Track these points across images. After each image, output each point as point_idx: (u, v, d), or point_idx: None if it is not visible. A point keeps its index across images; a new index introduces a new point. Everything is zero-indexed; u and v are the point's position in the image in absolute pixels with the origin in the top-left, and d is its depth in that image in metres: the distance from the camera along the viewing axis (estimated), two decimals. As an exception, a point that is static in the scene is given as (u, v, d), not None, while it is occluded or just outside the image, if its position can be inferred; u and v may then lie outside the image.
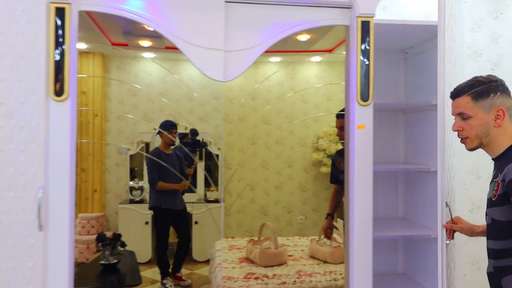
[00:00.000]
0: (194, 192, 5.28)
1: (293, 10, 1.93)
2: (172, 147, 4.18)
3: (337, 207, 3.14)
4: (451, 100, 1.55)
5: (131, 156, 5.16)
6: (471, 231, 1.68)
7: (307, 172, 5.61)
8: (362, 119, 1.90)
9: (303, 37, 4.19)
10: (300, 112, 5.53)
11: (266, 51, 5.32)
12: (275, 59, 5.36)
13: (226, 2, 1.87)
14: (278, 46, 4.75)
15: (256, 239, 3.62)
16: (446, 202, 1.72)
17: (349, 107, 1.96)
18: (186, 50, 1.85)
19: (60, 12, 1.73)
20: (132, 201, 4.93)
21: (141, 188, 5.05)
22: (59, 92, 1.72)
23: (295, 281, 2.89)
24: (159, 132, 4.11)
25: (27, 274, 1.68)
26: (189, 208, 4.90)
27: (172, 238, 4.94)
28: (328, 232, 3.11)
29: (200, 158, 5.41)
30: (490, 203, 1.42)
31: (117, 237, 3.16)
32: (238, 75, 1.91)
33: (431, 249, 2.18)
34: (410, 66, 2.44)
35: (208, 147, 5.38)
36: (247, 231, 5.48)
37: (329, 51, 5.36)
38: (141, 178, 5.12)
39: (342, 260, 3.31)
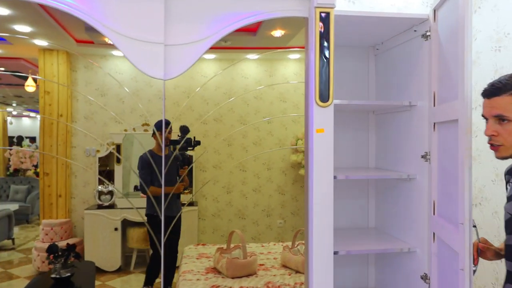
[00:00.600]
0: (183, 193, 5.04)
1: (245, 0, 1.71)
2: (167, 148, 3.80)
3: None
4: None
5: (100, 159, 4.91)
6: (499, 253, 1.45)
7: (286, 174, 5.41)
8: (321, 122, 1.69)
9: (277, 33, 3.98)
10: (278, 111, 5.33)
11: (243, 48, 5.10)
12: (253, 56, 5.14)
13: (166, -11, 1.64)
14: (255, 43, 4.56)
15: (225, 247, 3.40)
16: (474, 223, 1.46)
17: (307, 109, 1.75)
18: (120, 44, 1.62)
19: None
20: (100, 207, 4.67)
21: (111, 193, 4.80)
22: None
23: (261, 295, 2.68)
24: (153, 134, 3.75)
25: None
26: (160, 213, 4.66)
27: (142, 245, 4.71)
28: None
29: (174, 160, 5.17)
30: None
31: (70, 248, 2.92)
32: (181, 73, 1.69)
33: (404, 262, 1.99)
34: (381, 63, 2.24)
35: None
36: (223, 236, 5.26)
37: (308, 48, 5.18)
38: (111, 182, 4.87)
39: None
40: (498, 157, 1.30)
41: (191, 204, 4.89)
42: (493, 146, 1.29)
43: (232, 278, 3.00)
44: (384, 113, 2.19)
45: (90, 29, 3.97)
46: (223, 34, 1.71)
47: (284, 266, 3.30)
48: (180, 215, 3.85)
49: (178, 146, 3.61)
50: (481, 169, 2.48)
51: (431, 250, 1.73)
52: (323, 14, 1.69)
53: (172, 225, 3.08)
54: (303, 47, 4.50)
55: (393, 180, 2.10)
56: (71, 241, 4.61)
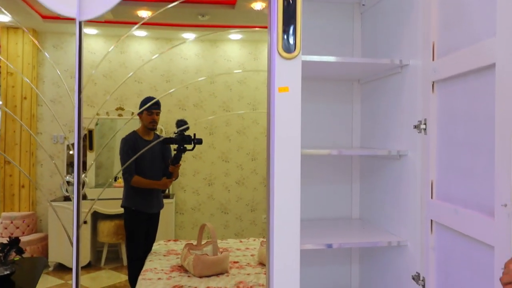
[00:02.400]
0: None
1: None
2: (153, 132, 3.32)
3: None
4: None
5: (69, 146, 4.51)
6: None
7: (272, 165, 5.02)
8: (285, 78, 1.31)
9: (258, 5, 3.60)
10: (264, 98, 4.94)
11: (223, 26, 4.69)
12: (236, 36, 4.76)
13: None
14: (235, 19, 4.17)
15: (195, 243, 3.02)
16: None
17: (269, 63, 1.37)
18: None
19: None
20: (67, 198, 4.28)
21: (82, 183, 4.40)
22: None
23: (229, 297, 2.31)
24: (139, 113, 3.22)
25: None
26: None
27: (113, 239, 4.33)
28: None
29: (150, 149, 4.78)
30: None
31: (12, 243, 2.53)
32: (100, 13, 1.30)
33: (393, 259, 1.61)
34: (367, 22, 1.86)
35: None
36: (204, 232, 4.87)
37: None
38: (83, 171, 4.48)
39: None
40: None
41: (166, 196, 4.51)
42: None
43: (200, 277, 2.63)
44: (370, 80, 1.81)
45: None
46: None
47: (262, 263, 2.93)
48: (159, 214, 3.41)
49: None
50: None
51: (426, 244, 1.36)
52: None
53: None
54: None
55: (380, 160, 1.72)
56: (35, 236, 4.23)
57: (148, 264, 2.92)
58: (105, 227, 4.26)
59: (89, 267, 4.29)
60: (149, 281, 2.56)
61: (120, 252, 4.45)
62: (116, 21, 4.18)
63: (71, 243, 1.29)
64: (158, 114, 3.29)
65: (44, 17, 4.13)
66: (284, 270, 1.33)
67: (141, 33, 4.63)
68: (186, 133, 3.17)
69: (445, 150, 1.29)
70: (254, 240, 3.65)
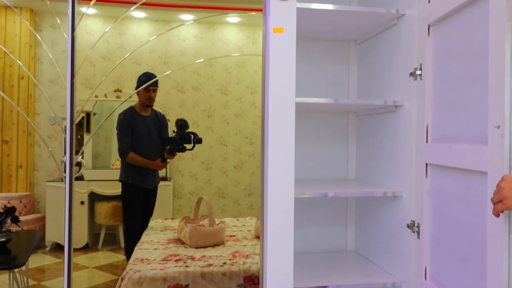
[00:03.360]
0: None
1: None
2: (151, 109, 3.33)
3: None
4: None
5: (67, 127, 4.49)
6: None
7: (270, 149, 5.01)
8: (280, 19, 1.30)
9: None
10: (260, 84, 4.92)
11: (222, 8, 4.68)
12: (234, 19, 4.74)
13: None
14: (237, 2, 4.16)
15: (192, 217, 3.02)
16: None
17: (264, 4, 1.36)
18: None
19: None
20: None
21: (79, 164, 4.38)
22: None
23: (225, 263, 2.29)
24: (136, 88, 3.24)
25: None
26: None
27: (110, 221, 4.32)
28: None
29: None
30: None
31: (9, 211, 2.52)
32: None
33: (388, 212, 1.61)
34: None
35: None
36: (201, 215, 4.86)
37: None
38: (80, 153, 4.47)
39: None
40: None
41: (164, 179, 4.50)
42: None
43: (196, 248, 2.62)
44: (367, 39, 1.80)
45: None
46: None
47: (258, 237, 2.92)
48: (156, 189, 3.43)
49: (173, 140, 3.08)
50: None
51: (421, 189, 1.35)
52: None
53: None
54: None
55: (376, 116, 1.71)
56: (32, 216, 4.22)
57: (144, 238, 2.91)
58: (103, 209, 4.25)
59: (86, 248, 4.28)
60: (145, 250, 2.55)
61: (118, 234, 4.44)
62: (114, 0, 4.17)
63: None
64: (155, 91, 3.30)
65: (42, -4, 4.12)
66: (279, 219, 1.32)
67: (140, 14, 4.61)
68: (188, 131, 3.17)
69: (440, 91, 1.28)
70: (251, 218, 3.65)
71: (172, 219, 3.64)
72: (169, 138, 3.17)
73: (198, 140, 3.13)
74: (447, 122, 1.23)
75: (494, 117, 0.97)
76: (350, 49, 1.93)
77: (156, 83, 3.31)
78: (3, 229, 2.46)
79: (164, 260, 2.35)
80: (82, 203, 4.25)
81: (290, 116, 1.31)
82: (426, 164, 1.32)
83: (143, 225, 3.29)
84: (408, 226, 1.42)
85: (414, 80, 1.42)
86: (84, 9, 4.44)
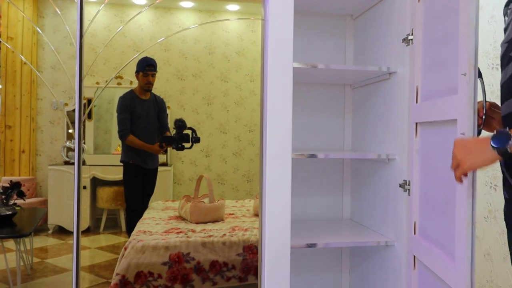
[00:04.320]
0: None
1: None
2: (150, 93, 3.44)
3: None
4: None
5: (69, 113, 4.56)
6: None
7: (269, 136, 5.08)
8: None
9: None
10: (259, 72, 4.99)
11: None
12: (234, 7, 4.80)
13: None
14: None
15: (192, 196, 3.09)
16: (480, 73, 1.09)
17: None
18: None
19: None
20: (67, 163, 4.34)
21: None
22: None
23: (224, 234, 2.37)
24: (136, 72, 3.38)
25: None
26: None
27: (112, 205, 4.39)
28: None
29: (148, 118, 4.84)
30: None
31: (14, 186, 2.59)
32: None
33: (382, 173, 1.68)
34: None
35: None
36: (202, 195, 4.94)
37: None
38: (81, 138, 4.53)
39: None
40: None
41: (164, 164, 4.57)
42: None
43: (196, 223, 2.69)
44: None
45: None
46: None
47: (257, 215, 2.99)
48: (156, 170, 3.54)
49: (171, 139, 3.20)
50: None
51: (411, 148, 1.42)
52: None
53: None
54: None
55: (371, 85, 1.78)
56: (34, 200, 4.29)
57: (146, 215, 2.98)
58: (104, 193, 4.32)
59: (88, 232, 4.35)
60: (147, 224, 2.62)
61: (119, 219, 4.51)
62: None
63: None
64: (153, 75, 3.39)
65: (44, -18, 4.18)
66: (277, 179, 1.39)
67: (142, 1, 4.67)
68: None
69: (428, 53, 1.34)
70: (250, 200, 3.72)
71: (172, 201, 3.71)
72: (168, 137, 3.28)
73: (196, 139, 3.25)
74: (433, 81, 1.30)
75: (461, 66, 1.04)
76: (346, 24, 1.99)
77: (155, 68, 3.39)
78: (9, 203, 2.53)
79: (166, 232, 2.42)
80: (84, 187, 4.32)
81: (288, 81, 1.38)
82: (416, 123, 1.40)
83: (144, 205, 3.38)
84: (400, 186, 1.49)
85: (406, 46, 1.49)
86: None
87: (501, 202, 1.20)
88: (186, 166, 4.95)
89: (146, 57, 3.50)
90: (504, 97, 1.06)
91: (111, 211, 4.55)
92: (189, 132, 3.25)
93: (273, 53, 1.38)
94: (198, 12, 4.89)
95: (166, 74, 4.80)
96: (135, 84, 4.68)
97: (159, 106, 3.49)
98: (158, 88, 4.73)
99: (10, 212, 2.50)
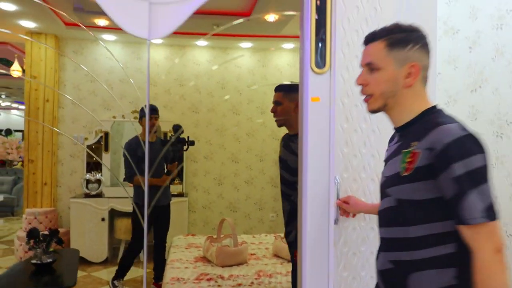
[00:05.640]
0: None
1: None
2: (155, 134, 3.69)
3: None
4: None
5: (89, 147, 4.76)
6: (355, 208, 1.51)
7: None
8: (317, 90, 1.58)
9: (271, 17, 3.88)
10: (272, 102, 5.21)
11: (236, 35, 4.98)
12: (246, 44, 5.03)
13: None
14: (247, 30, 4.45)
15: (215, 236, 3.28)
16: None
17: (302, 77, 1.64)
18: (101, 0, 1.50)
19: None
20: (87, 195, 4.52)
21: (99, 182, 4.65)
22: None
23: (252, 282, 2.57)
24: (140, 119, 3.61)
25: None
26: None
27: (129, 236, 4.56)
28: None
29: (164, 150, 5.05)
30: (397, 180, 1.12)
31: (53, 233, 2.78)
32: (167, 33, 1.58)
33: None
34: None
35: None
36: (214, 228, 5.13)
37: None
38: (99, 171, 4.73)
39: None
40: (369, 111, 1.22)
41: (180, 195, 4.77)
42: (365, 99, 1.21)
43: (222, 266, 2.89)
44: None
45: (78, 9, 3.83)
46: (213, -6, 1.59)
47: (276, 255, 3.19)
48: (169, 206, 3.72)
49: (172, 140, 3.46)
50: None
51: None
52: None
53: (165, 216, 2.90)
54: (298, 36, 4.30)
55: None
56: (56, 231, 4.46)
57: (173, 256, 3.17)
58: (122, 224, 4.50)
59: (106, 262, 4.52)
60: (177, 269, 2.82)
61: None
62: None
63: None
64: (156, 119, 3.62)
65: (67, 24, 4.39)
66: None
67: (157, 40, 4.88)
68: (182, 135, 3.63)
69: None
70: (266, 235, 3.92)
71: (192, 235, 3.90)
72: (165, 141, 3.53)
73: (191, 143, 3.55)
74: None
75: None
76: None
77: (156, 112, 3.63)
78: (49, 250, 2.71)
79: (197, 279, 2.62)
80: (103, 219, 4.49)
81: (325, 162, 1.59)
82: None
83: (161, 242, 3.58)
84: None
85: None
86: (106, 36, 4.72)
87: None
88: (200, 194, 5.15)
89: (150, 104, 3.74)
90: (380, 223, 1.23)
91: (128, 241, 4.71)
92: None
93: (312, 145, 1.59)
94: (212, 49, 5.12)
95: (182, 108, 5.02)
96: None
97: (166, 152, 3.69)
98: (174, 121, 4.94)
99: (51, 260, 2.69)
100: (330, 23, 1.58)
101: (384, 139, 1.61)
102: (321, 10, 1.58)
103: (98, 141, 4.79)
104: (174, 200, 4.63)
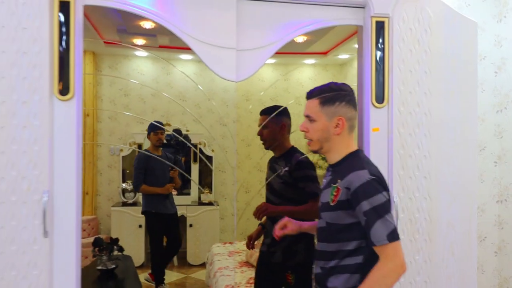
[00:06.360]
0: (188, 194, 5.22)
1: (306, 9, 1.88)
2: (161, 148, 4.05)
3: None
4: None
5: (123, 158, 5.04)
6: (299, 227, 1.67)
7: (302, 174, 5.57)
8: (377, 122, 1.86)
9: (300, 39, 4.16)
10: (293, 114, 5.46)
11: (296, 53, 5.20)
12: (270, 60, 5.30)
13: (238, -1, 1.81)
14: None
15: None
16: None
17: (362, 110, 1.92)
18: (196, 49, 1.78)
19: (64, 7, 1.64)
20: (124, 204, 4.81)
21: (134, 191, 4.93)
22: (63, 90, 1.64)
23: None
24: (148, 134, 3.98)
25: (32, 283, 1.58)
26: (183, 211, 4.81)
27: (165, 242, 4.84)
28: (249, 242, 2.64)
29: (195, 160, 5.33)
30: (327, 208, 1.43)
31: (114, 241, 3.05)
32: (250, 75, 1.86)
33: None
34: None
35: (202, 148, 5.32)
36: (242, 234, 5.40)
37: (324, 53, 5.34)
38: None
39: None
40: (311, 151, 1.54)
41: (211, 204, 5.05)
42: (308, 142, 1.52)
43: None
44: None
45: (122, 31, 4.11)
46: (287, 40, 1.89)
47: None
48: (176, 214, 4.14)
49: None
50: (506, 167, 2.67)
51: None
52: (378, 23, 1.86)
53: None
54: (323, 53, 4.67)
55: None
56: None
57: (218, 263, 3.44)
58: (159, 231, 4.78)
59: (142, 267, 4.79)
60: (228, 276, 3.08)
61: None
62: (167, 46, 4.73)
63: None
64: (162, 133, 3.98)
65: (106, 42, 4.67)
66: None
67: (187, 57, 5.17)
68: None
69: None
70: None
71: (230, 243, 4.18)
72: (167, 144, 3.94)
73: (190, 146, 4.13)
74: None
75: None
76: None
77: (162, 128, 4.00)
78: (112, 257, 2.99)
79: (248, 283, 2.89)
80: (140, 226, 4.77)
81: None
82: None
83: (176, 239, 4.02)
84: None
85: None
86: (138, 53, 5.01)
87: None
88: (229, 202, 5.43)
89: (155, 120, 4.11)
90: (317, 238, 1.53)
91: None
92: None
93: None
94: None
95: (210, 121, 5.30)
96: (183, 130, 5.22)
97: (169, 160, 4.07)
98: (203, 133, 5.24)
99: (114, 266, 2.96)
100: (388, 64, 1.86)
101: (433, 163, 1.89)
102: (379, 53, 1.86)
103: (133, 152, 5.08)
104: (205, 209, 4.94)
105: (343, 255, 1.39)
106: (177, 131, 4.24)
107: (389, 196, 1.37)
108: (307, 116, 1.48)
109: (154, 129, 3.92)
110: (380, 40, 1.86)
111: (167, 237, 4.12)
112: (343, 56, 5.23)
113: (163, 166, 3.96)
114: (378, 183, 1.36)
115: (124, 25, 4.06)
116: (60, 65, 1.63)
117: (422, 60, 1.88)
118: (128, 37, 4.34)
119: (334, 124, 1.44)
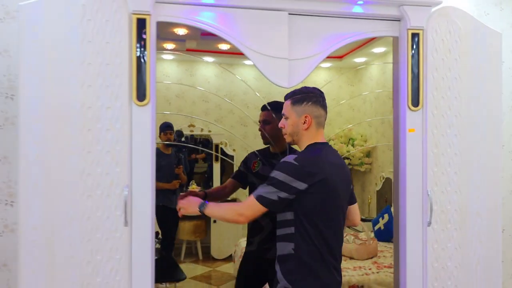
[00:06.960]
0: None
1: (348, 22, 2.09)
2: (171, 148, 4.36)
3: (218, 196, 2.67)
4: None
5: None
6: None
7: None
8: (413, 123, 2.07)
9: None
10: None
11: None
12: (325, 64, 5.51)
13: (289, 14, 2.02)
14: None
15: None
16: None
17: (398, 112, 2.13)
18: (254, 58, 2.00)
19: (141, 23, 1.86)
20: (151, 201, 5.03)
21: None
22: (141, 97, 1.86)
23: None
24: (159, 134, 4.26)
25: (114, 266, 1.81)
26: (207, 207, 5.03)
27: (191, 236, 5.06)
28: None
29: (216, 159, 5.55)
30: None
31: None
32: (300, 82, 2.07)
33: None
34: None
35: (224, 148, 5.54)
36: (261, 230, 5.61)
37: (340, 57, 5.55)
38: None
39: (367, 256, 3.51)
40: (287, 143, 1.92)
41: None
42: (284, 135, 1.80)
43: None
44: None
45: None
46: (332, 50, 2.11)
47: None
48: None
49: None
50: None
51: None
52: (414, 35, 2.08)
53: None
54: (339, 57, 4.95)
55: None
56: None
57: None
58: (186, 226, 5.00)
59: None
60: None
61: (195, 248, 5.19)
62: (192, 49, 4.95)
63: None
64: (171, 134, 4.31)
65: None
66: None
67: (209, 59, 5.39)
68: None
69: None
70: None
71: (254, 236, 4.39)
72: (169, 144, 4.24)
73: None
74: None
75: None
76: None
77: (172, 128, 4.32)
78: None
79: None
80: (167, 222, 4.99)
81: (418, 180, 2.07)
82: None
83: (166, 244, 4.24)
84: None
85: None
86: (164, 56, 5.23)
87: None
88: (247, 200, 5.65)
89: (165, 121, 4.35)
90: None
91: (189, 241, 5.22)
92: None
93: (410, 179, 2.07)
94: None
95: (231, 122, 5.52)
96: (206, 130, 5.45)
97: (178, 158, 4.39)
98: (224, 134, 5.46)
99: (157, 257, 3.18)
100: (422, 72, 2.07)
101: (463, 160, 2.11)
102: (414, 62, 2.07)
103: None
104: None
105: (282, 225, 1.67)
106: (179, 132, 4.53)
107: (299, 185, 1.58)
108: (283, 115, 1.80)
109: (164, 129, 4.25)
110: (415, 50, 2.07)
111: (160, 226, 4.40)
112: (359, 59, 5.44)
113: (172, 164, 4.31)
114: (295, 169, 1.59)
115: (158, 31, 4.28)
116: (138, 74, 1.85)
117: (452, 68, 2.09)
118: (160, 42, 4.57)
119: (302, 121, 1.73)
